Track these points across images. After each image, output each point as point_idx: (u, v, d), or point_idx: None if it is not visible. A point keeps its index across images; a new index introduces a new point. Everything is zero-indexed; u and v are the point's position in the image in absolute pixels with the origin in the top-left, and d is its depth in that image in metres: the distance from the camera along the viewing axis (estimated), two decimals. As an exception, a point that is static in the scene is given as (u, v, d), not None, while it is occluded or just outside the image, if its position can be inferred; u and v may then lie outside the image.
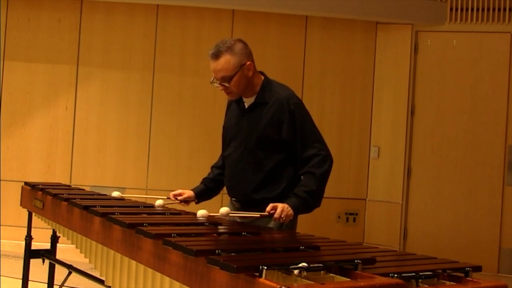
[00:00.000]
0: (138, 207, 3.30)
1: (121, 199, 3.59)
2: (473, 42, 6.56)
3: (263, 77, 3.18)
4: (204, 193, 3.38)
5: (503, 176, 6.43)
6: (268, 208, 2.93)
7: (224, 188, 3.37)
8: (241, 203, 3.21)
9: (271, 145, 3.09)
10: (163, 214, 3.11)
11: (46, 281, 4.18)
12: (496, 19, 6.49)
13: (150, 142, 6.66)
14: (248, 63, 3.07)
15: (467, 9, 6.55)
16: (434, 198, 6.62)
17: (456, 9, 6.57)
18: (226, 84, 3.05)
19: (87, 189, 4.48)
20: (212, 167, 3.45)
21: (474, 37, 6.56)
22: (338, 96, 6.84)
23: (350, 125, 6.85)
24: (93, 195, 3.74)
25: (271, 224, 3.02)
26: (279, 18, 6.71)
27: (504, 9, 6.46)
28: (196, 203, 3.38)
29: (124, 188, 6.34)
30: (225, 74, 3.03)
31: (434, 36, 6.67)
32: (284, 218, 2.94)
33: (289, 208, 2.95)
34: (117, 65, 6.63)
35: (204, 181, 3.42)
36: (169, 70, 6.66)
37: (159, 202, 3.26)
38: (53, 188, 3.78)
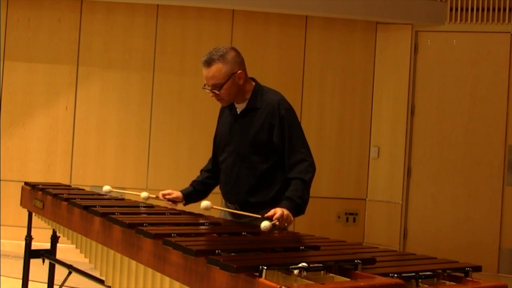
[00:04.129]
0: (138, 207, 3.30)
1: (120, 198, 3.59)
2: (473, 42, 6.56)
3: (254, 84, 3.25)
4: (192, 195, 3.41)
5: (503, 176, 6.43)
6: (277, 215, 2.90)
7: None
8: (235, 205, 3.25)
9: (263, 149, 3.15)
10: (163, 214, 3.12)
11: (46, 281, 4.19)
12: (496, 19, 6.49)
13: (150, 142, 6.65)
14: (239, 71, 3.14)
15: (467, 9, 6.55)
16: (434, 198, 6.62)
17: (456, 9, 6.57)
18: (217, 91, 3.12)
19: (87, 189, 4.48)
20: (201, 171, 3.50)
21: (474, 37, 6.56)
22: (338, 96, 6.84)
23: (350, 125, 6.85)
24: (93, 195, 3.74)
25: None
26: (279, 18, 6.70)
27: (504, 9, 6.46)
28: (184, 204, 3.41)
29: (124, 188, 6.34)
30: (216, 81, 3.10)
31: (434, 36, 6.67)
32: (286, 224, 2.97)
33: (291, 215, 2.98)
34: (117, 65, 6.63)
35: (193, 183, 3.46)
36: (169, 70, 6.66)
37: (144, 195, 3.34)
38: (53, 188, 3.78)
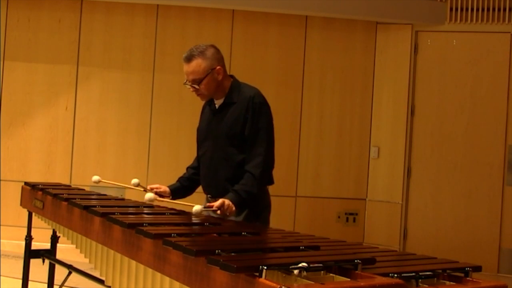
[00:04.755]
0: (138, 207, 3.30)
1: (120, 198, 3.59)
2: (473, 42, 6.56)
3: (232, 80, 3.38)
4: (179, 190, 3.54)
5: (503, 176, 6.43)
6: (218, 204, 3.11)
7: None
8: (216, 199, 3.32)
9: (238, 141, 3.28)
10: (163, 214, 3.12)
11: (46, 281, 4.19)
12: (496, 19, 6.49)
13: (150, 142, 6.65)
14: (218, 67, 3.27)
15: (467, 9, 6.55)
16: (434, 198, 6.62)
17: (456, 9, 6.57)
18: (197, 86, 3.27)
19: (87, 189, 4.48)
20: (187, 168, 3.65)
21: (474, 37, 6.56)
22: (338, 96, 6.84)
23: (350, 125, 6.85)
24: (93, 195, 3.75)
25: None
26: (279, 18, 6.70)
27: (504, 9, 6.46)
28: (171, 199, 3.50)
29: (124, 188, 6.33)
30: (196, 76, 3.25)
31: (434, 36, 6.67)
32: (228, 214, 3.15)
33: (233, 206, 3.15)
34: (117, 65, 6.63)
35: (180, 179, 3.60)
36: (169, 70, 6.66)
37: (134, 181, 3.49)
38: (53, 188, 3.79)
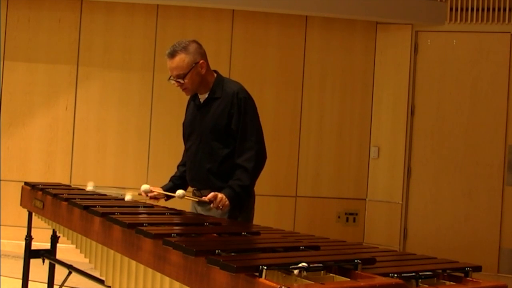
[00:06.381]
0: (138, 207, 3.31)
1: (120, 198, 3.59)
2: (473, 42, 6.56)
3: (216, 75, 3.44)
4: (172, 190, 3.55)
5: (503, 176, 6.43)
6: (210, 196, 3.18)
7: None
8: (201, 192, 3.40)
9: (223, 136, 3.33)
10: (163, 214, 3.12)
11: (46, 281, 4.19)
12: (496, 19, 6.49)
13: (150, 142, 6.65)
14: (201, 61, 3.35)
15: (467, 9, 6.55)
16: (434, 198, 6.62)
17: (456, 9, 6.58)
18: (181, 81, 3.36)
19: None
20: (178, 166, 3.68)
21: (474, 37, 6.56)
22: (338, 96, 6.84)
23: (350, 125, 6.85)
24: (93, 195, 3.75)
25: (214, 212, 3.25)
26: (279, 18, 6.70)
27: (504, 9, 6.46)
28: (165, 200, 3.53)
29: (124, 188, 6.33)
30: (180, 71, 3.36)
31: (434, 36, 6.67)
32: (221, 207, 3.20)
33: (227, 200, 3.21)
34: (117, 65, 6.63)
35: (172, 178, 3.65)
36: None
37: (128, 197, 3.43)
38: (53, 188, 3.79)
